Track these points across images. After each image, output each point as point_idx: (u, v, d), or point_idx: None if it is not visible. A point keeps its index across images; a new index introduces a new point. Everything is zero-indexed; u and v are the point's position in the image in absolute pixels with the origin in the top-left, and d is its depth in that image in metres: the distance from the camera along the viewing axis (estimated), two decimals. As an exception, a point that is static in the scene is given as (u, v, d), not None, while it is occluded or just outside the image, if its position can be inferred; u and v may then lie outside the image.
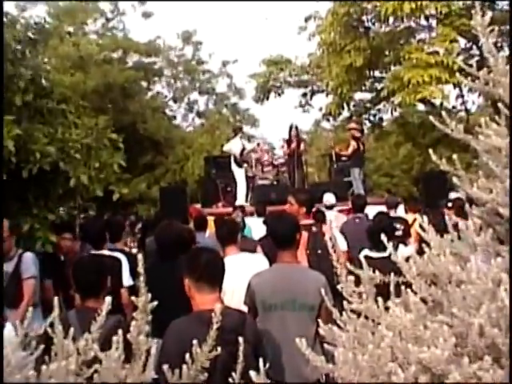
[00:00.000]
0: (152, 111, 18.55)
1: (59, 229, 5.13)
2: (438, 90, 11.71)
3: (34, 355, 1.33)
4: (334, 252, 1.77)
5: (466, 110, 15.70)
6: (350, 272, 1.57)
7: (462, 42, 13.24)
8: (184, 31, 22.76)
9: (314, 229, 4.64)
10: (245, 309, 3.14)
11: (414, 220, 6.48)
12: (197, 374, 1.37)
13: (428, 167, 15.02)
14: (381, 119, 16.96)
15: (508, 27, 11.07)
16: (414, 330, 1.29)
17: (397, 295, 1.47)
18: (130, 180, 14.36)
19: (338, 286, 1.56)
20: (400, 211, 7.73)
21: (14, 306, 4.12)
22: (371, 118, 16.80)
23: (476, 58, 13.08)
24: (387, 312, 1.40)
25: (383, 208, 7.32)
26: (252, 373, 1.32)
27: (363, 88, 15.58)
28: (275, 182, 12.61)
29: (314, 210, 5.36)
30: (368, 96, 16.43)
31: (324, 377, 2.77)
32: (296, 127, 11.91)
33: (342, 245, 5.32)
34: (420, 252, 1.51)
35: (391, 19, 12.85)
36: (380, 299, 1.44)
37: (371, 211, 6.21)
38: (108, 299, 1.38)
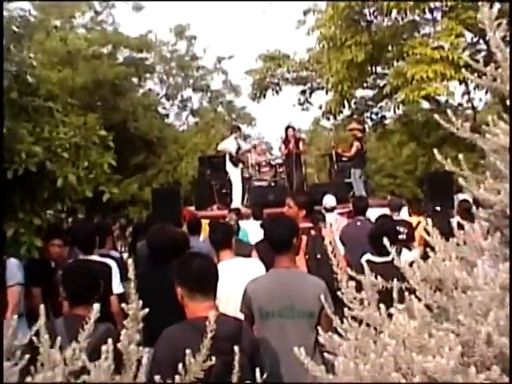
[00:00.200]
0: (144, 109, 18.21)
1: (48, 234, 5.01)
2: (443, 86, 11.54)
3: (18, 366, 1.30)
4: (334, 257, 1.73)
5: (473, 108, 15.49)
6: (350, 277, 1.53)
7: (469, 36, 13.01)
8: (177, 25, 22.34)
9: (312, 232, 4.56)
10: (241, 316, 3.08)
11: (419, 223, 6.43)
12: (190, 384, 1.34)
13: (433, 168, 14.98)
14: (383, 117, 16.79)
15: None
16: (418, 338, 1.27)
17: (400, 302, 1.44)
18: (121, 181, 13.99)
19: (339, 292, 1.53)
20: (403, 214, 7.69)
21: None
22: (373, 117, 16.63)
23: (483, 53, 12.83)
24: (390, 319, 1.38)
25: (386, 210, 7.28)
26: (248, 384, 1.28)
27: (365, 85, 15.37)
28: (273, 183, 12.43)
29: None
30: (370, 93, 16.22)
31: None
32: (293, 128, 11.87)
33: (341, 250, 5.26)
34: (424, 256, 1.49)
35: (394, 12, 12.60)
36: (382, 306, 1.42)
37: (373, 214, 6.16)
38: (96, 306, 1.35)
